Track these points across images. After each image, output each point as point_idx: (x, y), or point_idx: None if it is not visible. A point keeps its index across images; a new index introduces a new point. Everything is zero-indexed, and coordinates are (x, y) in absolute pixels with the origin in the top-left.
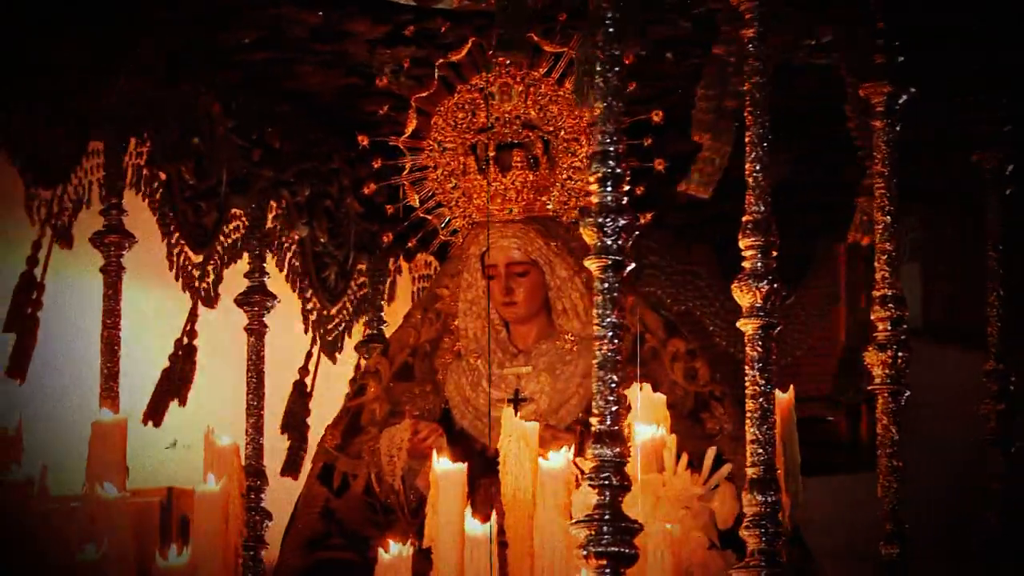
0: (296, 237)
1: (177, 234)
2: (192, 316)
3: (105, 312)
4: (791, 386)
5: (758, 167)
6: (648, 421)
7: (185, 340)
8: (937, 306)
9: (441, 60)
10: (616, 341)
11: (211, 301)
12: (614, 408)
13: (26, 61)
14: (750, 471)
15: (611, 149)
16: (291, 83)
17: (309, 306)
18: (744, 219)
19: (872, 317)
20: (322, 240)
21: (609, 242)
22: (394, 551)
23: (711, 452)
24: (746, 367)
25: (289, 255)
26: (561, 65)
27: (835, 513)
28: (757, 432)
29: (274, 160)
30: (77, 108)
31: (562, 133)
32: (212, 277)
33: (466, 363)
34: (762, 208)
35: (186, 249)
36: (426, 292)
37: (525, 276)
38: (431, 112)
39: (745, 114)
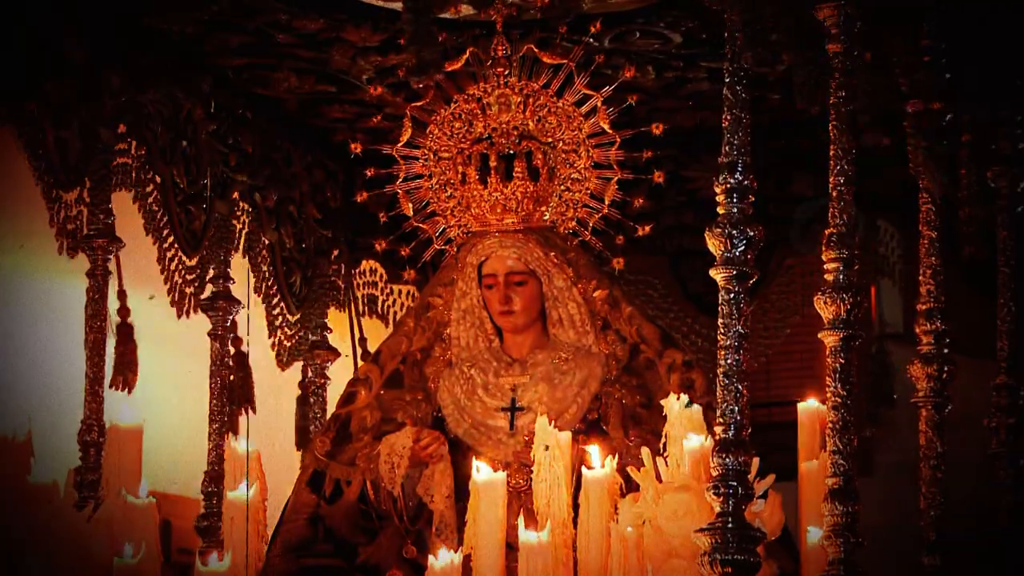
0: (267, 242)
1: (171, 238)
2: (121, 294)
3: (90, 316)
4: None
5: (842, 180)
6: (684, 431)
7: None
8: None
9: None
10: (743, 352)
11: (190, 308)
12: (739, 418)
13: (36, 63)
14: (830, 481)
15: (738, 161)
16: (262, 88)
17: (275, 312)
18: (827, 232)
19: (916, 330)
20: (288, 245)
21: (737, 253)
22: (445, 558)
23: (755, 462)
24: (827, 379)
25: (259, 260)
26: (560, 77)
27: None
28: (838, 443)
29: (248, 165)
30: (82, 111)
31: (560, 144)
32: (198, 283)
33: (459, 371)
34: (845, 221)
35: (179, 254)
36: (418, 300)
37: (523, 285)
38: (427, 121)
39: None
